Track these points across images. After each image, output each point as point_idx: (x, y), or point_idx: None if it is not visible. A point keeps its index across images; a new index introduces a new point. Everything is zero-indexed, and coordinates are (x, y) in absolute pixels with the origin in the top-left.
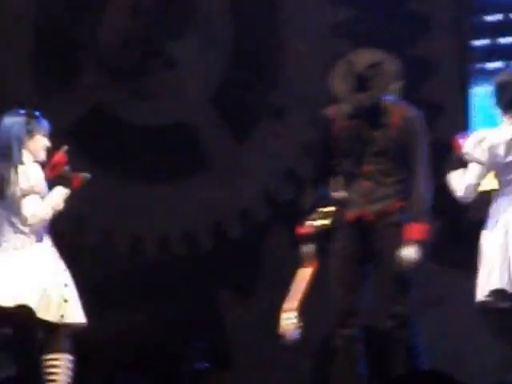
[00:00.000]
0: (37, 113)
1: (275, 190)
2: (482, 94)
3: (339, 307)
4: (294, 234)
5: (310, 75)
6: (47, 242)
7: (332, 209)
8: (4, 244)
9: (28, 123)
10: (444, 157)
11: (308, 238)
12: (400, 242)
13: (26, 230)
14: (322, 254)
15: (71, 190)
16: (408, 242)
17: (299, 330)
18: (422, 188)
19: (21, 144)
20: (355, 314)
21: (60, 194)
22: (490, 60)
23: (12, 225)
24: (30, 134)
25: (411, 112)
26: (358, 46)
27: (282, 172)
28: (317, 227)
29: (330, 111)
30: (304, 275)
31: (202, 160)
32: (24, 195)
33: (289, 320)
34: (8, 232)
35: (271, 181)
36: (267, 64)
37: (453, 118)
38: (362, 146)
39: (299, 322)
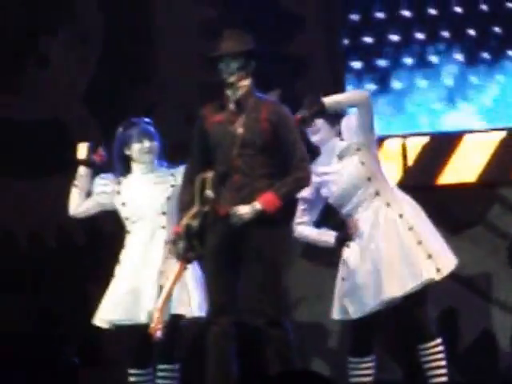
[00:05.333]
0: None
1: None
2: None
3: (212, 304)
4: None
5: (183, 74)
6: None
7: (200, 208)
8: None
9: None
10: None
11: (177, 237)
12: (271, 243)
13: None
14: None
15: None
16: (253, 204)
17: (162, 330)
18: (300, 175)
19: None
20: (228, 311)
21: None
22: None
23: None
24: None
25: (280, 107)
26: None
27: None
28: (184, 226)
29: (204, 109)
30: (173, 274)
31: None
32: None
33: (155, 319)
34: None
35: None
36: (139, 62)
37: None
38: (229, 139)
39: (162, 321)
